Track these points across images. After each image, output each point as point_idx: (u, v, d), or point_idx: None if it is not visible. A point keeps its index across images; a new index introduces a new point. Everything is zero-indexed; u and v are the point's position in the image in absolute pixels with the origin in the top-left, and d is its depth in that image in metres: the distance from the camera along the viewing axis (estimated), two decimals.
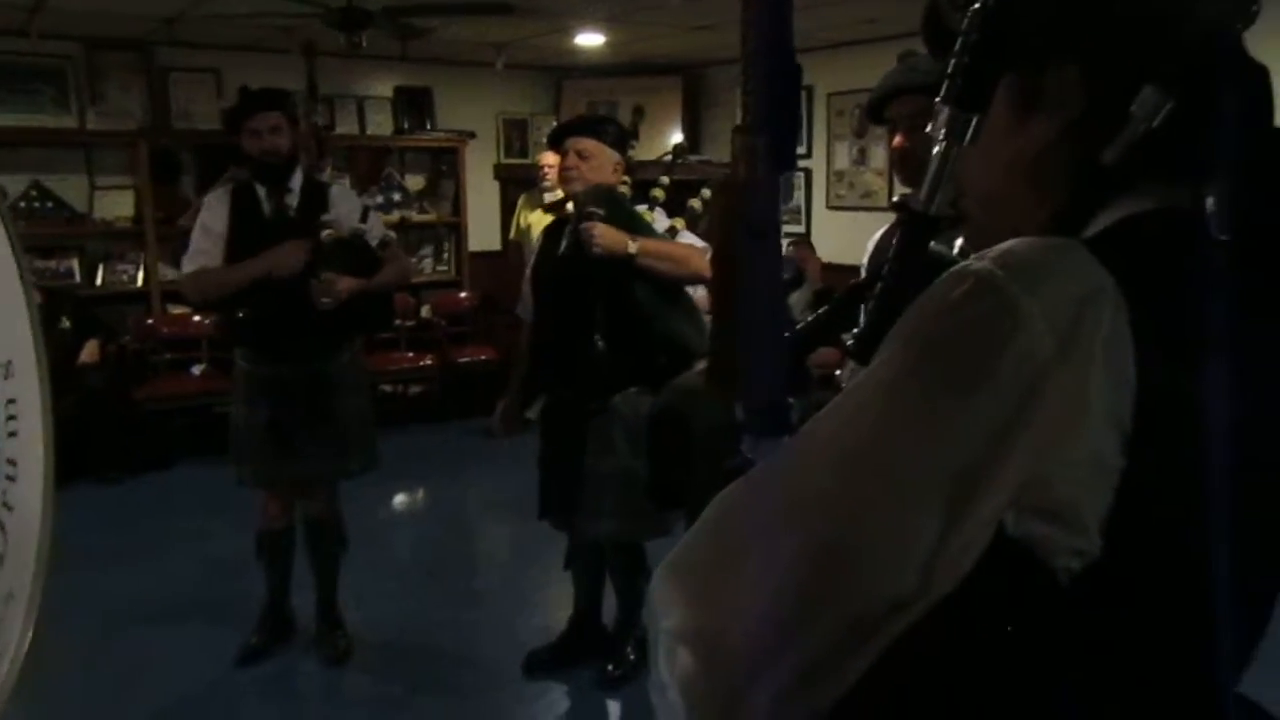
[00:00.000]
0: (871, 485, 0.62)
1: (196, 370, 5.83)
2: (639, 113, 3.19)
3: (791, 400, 0.69)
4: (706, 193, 3.01)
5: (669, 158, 4.22)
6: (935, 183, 0.67)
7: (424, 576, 4.17)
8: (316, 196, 3.16)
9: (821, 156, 6.22)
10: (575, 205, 2.94)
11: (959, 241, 0.82)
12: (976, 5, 0.66)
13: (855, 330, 0.70)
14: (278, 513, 3.33)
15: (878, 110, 1.99)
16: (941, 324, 0.63)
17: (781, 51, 0.66)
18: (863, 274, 2.06)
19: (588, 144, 2.91)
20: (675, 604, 0.69)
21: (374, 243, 3.27)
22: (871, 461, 0.63)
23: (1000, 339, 0.60)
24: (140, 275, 5.89)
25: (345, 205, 3.23)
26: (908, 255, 0.68)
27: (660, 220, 2.96)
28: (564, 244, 2.92)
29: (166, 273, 5.71)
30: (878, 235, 2.09)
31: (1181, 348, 0.60)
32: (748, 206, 0.65)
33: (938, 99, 0.67)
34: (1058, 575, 0.62)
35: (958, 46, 0.66)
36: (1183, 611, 0.63)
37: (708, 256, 2.89)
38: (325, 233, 3.06)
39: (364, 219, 3.24)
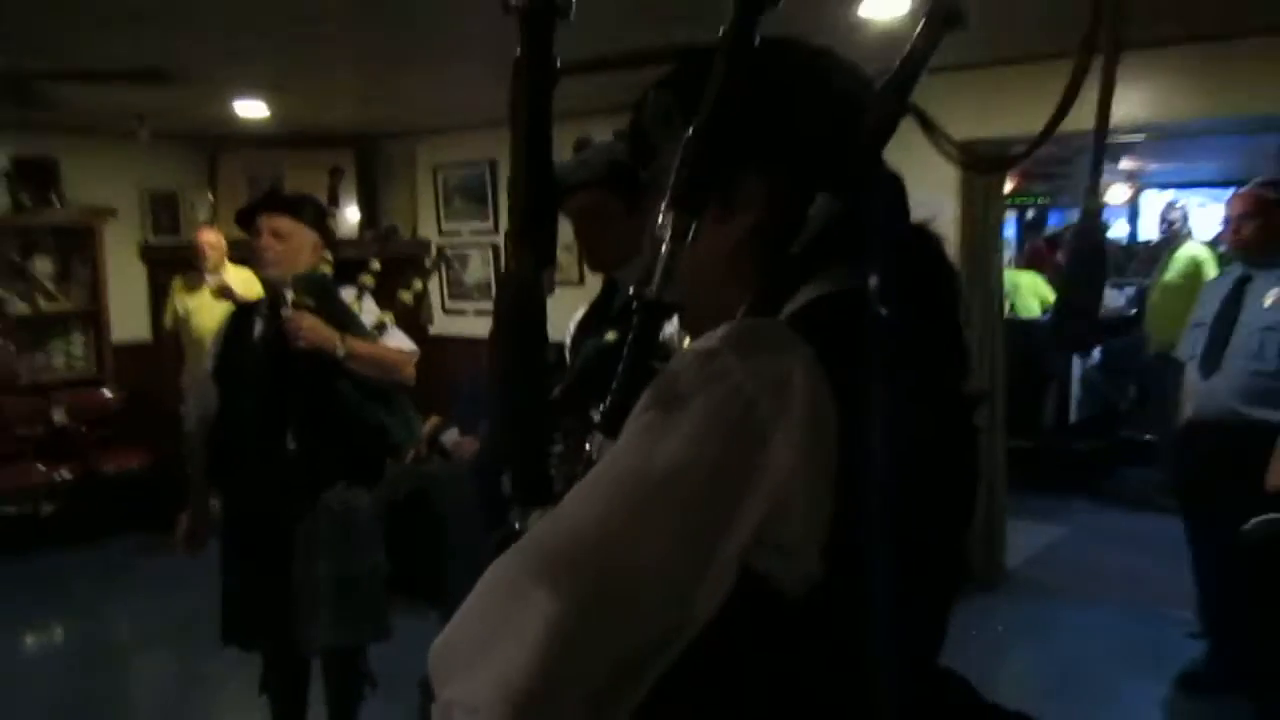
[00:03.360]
0: (633, 537, 0.76)
1: None
2: (337, 174, 3.15)
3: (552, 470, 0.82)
4: (376, 265, 3.04)
5: (372, 236, 4.23)
6: (665, 275, 0.83)
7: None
8: None
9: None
10: (268, 291, 2.90)
11: (671, 324, 1.00)
12: (689, 131, 0.84)
13: (602, 406, 0.84)
14: None
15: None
16: (680, 395, 0.78)
17: (541, 167, 0.79)
18: (566, 353, 2.24)
19: (283, 223, 2.86)
20: (451, 674, 0.79)
21: None
22: (632, 516, 0.77)
23: (729, 404, 0.77)
24: None
25: None
26: (643, 336, 0.84)
27: (369, 310, 2.95)
28: (257, 331, 2.86)
29: None
30: (580, 313, 2.29)
31: (866, 400, 0.80)
32: (515, 301, 0.78)
33: (664, 204, 0.84)
34: (790, 598, 0.79)
35: (677, 162, 0.84)
36: (883, 620, 0.82)
37: (414, 361, 2.95)
38: None
39: None
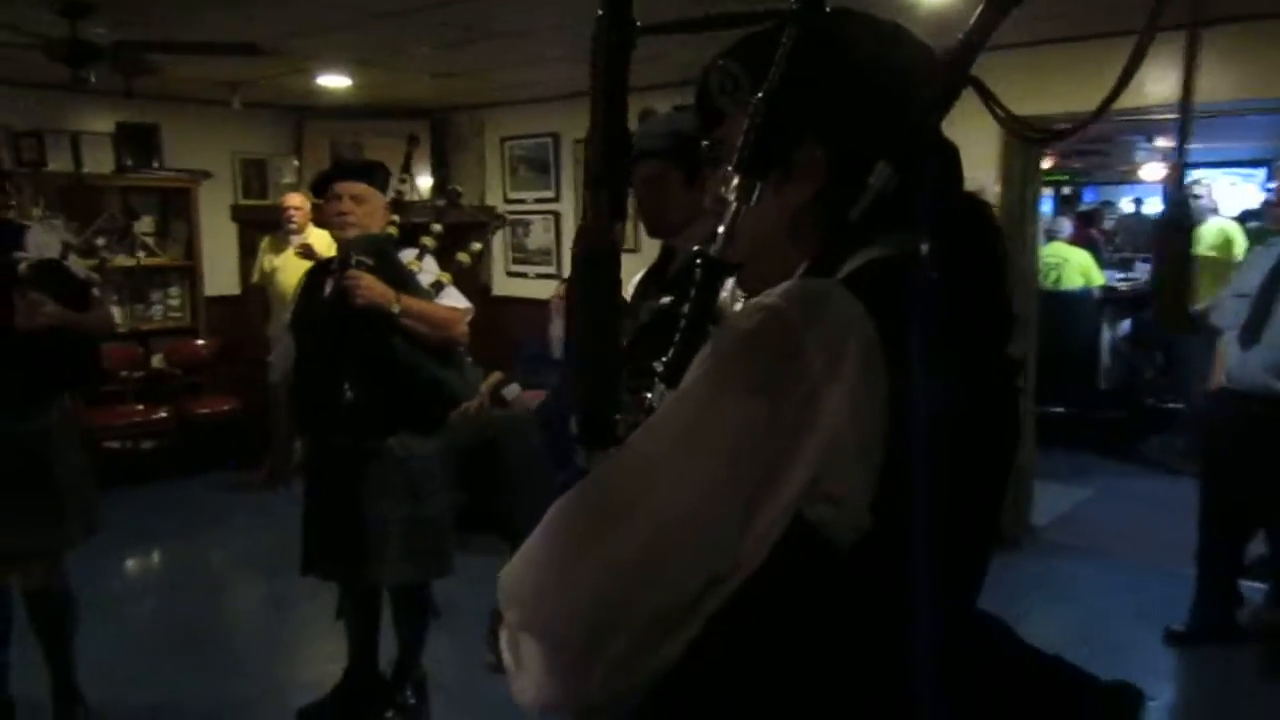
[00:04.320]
0: (687, 483, 0.76)
1: None
2: (413, 142, 3.16)
3: (618, 416, 0.82)
4: (438, 227, 3.05)
5: (442, 201, 4.23)
6: (728, 235, 0.82)
7: (173, 645, 3.90)
8: (9, 237, 2.90)
9: (569, 201, 6.46)
10: (341, 252, 2.92)
11: (730, 282, 0.99)
12: (754, 99, 0.82)
13: (664, 358, 0.84)
14: None
15: None
16: (741, 347, 0.78)
17: (618, 125, 0.78)
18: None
19: (361, 188, 2.90)
20: (519, 598, 0.80)
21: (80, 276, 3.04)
22: (687, 463, 0.77)
23: (787, 357, 0.76)
24: None
25: (44, 241, 2.99)
26: (705, 293, 0.83)
27: (428, 270, 2.95)
28: (328, 289, 2.89)
29: None
30: (638, 277, 2.27)
31: (916, 359, 0.79)
32: (590, 250, 0.78)
33: (729, 168, 0.82)
34: (839, 548, 0.78)
35: (745, 127, 0.82)
36: (926, 565, 0.81)
37: (468, 319, 2.96)
38: (22, 264, 2.82)
39: (63, 256, 3.01)
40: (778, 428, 0.75)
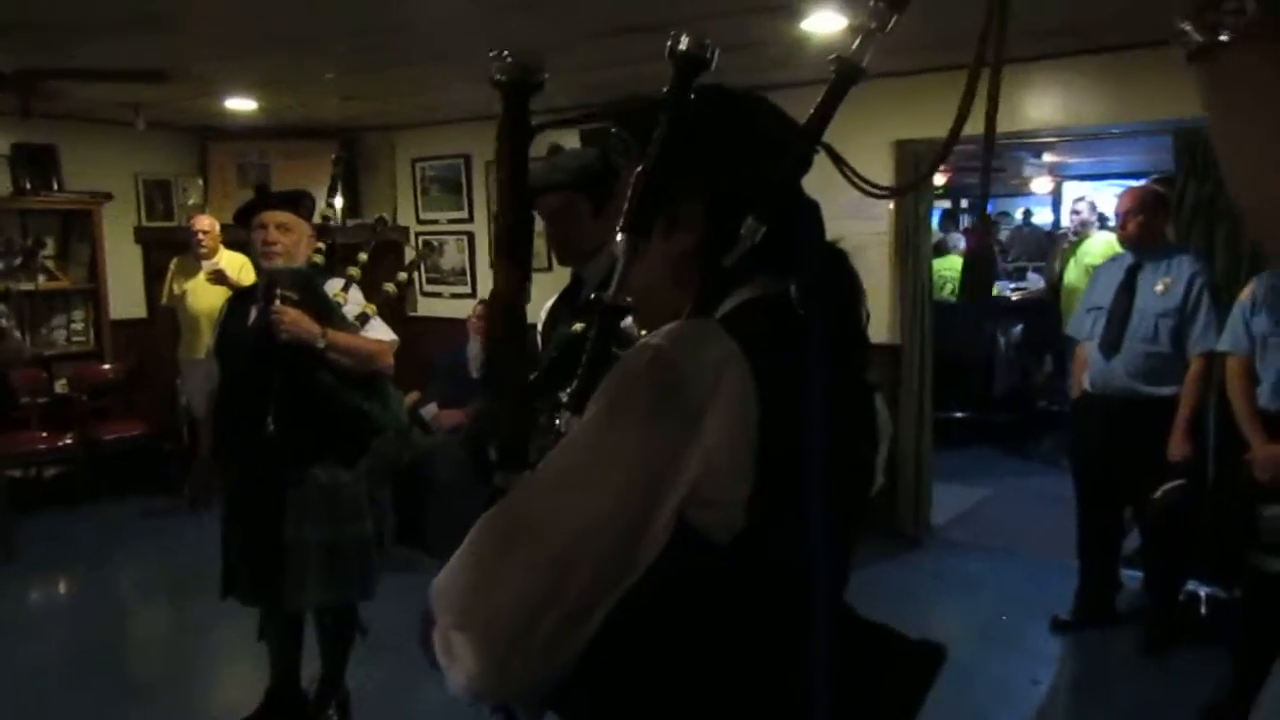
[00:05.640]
0: (591, 498, 0.90)
1: None
2: (338, 164, 3.18)
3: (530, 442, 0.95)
4: (363, 257, 3.10)
5: (370, 226, 4.27)
6: (620, 285, 0.96)
7: (85, 672, 3.85)
8: None
9: (484, 220, 6.53)
10: (264, 280, 2.96)
11: (627, 321, 1.13)
12: (639, 168, 0.96)
13: (569, 388, 0.98)
14: None
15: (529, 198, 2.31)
16: (631, 383, 0.92)
17: (521, 206, 0.91)
18: (538, 339, 2.36)
19: (286, 217, 2.93)
20: (451, 601, 0.92)
21: None
22: (589, 479, 0.90)
23: (670, 390, 0.90)
24: None
25: None
26: (604, 333, 0.97)
27: (354, 301, 2.99)
28: (252, 318, 2.93)
29: None
30: (549, 303, 2.40)
31: (783, 386, 0.94)
32: (503, 311, 0.91)
33: (618, 229, 0.97)
34: (717, 545, 0.92)
35: (629, 193, 0.96)
36: (795, 560, 0.96)
37: (393, 350, 3.03)
38: None
39: None
40: (664, 449, 0.90)
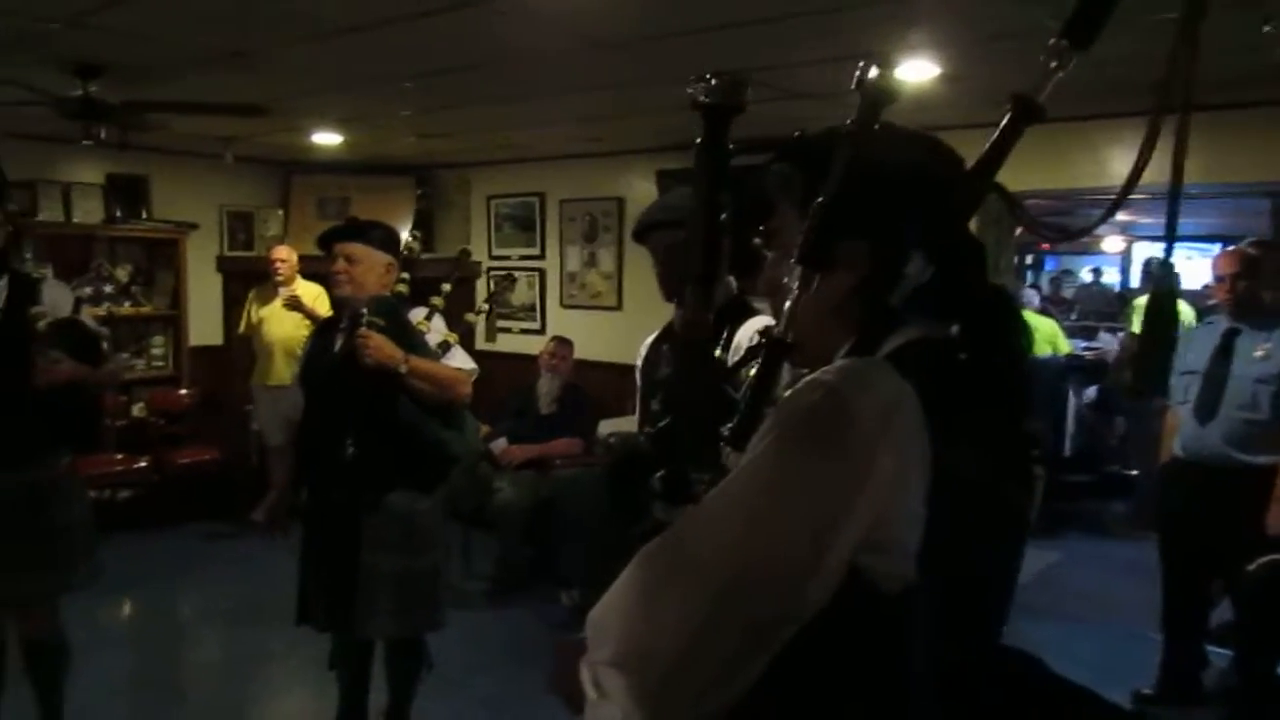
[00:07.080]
0: (760, 534, 0.87)
1: None
2: (423, 200, 3.25)
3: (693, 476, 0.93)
4: (447, 287, 3.15)
5: (454, 259, 4.35)
6: (789, 318, 0.94)
7: (157, 695, 3.88)
8: (25, 290, 2.95)
9: (555, 258, 6.59)
10: (344, 309, 3.01)
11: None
12: (815, 202, 0.95)
13: (729, 425, 0.95)
14: None
15: (641, 235, 2.32)
16: (803, 418, 0.89)
17: (713, 232, 0.90)
18: (638, 377, 2.35)
19: (355, 249, 2.98)
20: (608, 636, 0.90)
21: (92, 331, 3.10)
22: (758, 517, 0.88)
23: (843, 427, 0.87)
24: None
25: (58, 297, 3.05)
26: (770, 368, 0.95)
27: (436, 329, 3.03)
28: (338, 345, 2.97)
29: None
30: (646, 344, 2.39)
31: (954, 430, 0.90)
32: (694, 333, 0.90)
33: (791, 260, 0.95)
34: (887, 595, 0.89)
35: (805, 227, 0.95)
36: (966, 610, 0.92)
37: (472, 380, 3.06)
38: (41, 321, 2.87)
39: (75, 311, 3.07)
40: (835, 488, 0.87)
